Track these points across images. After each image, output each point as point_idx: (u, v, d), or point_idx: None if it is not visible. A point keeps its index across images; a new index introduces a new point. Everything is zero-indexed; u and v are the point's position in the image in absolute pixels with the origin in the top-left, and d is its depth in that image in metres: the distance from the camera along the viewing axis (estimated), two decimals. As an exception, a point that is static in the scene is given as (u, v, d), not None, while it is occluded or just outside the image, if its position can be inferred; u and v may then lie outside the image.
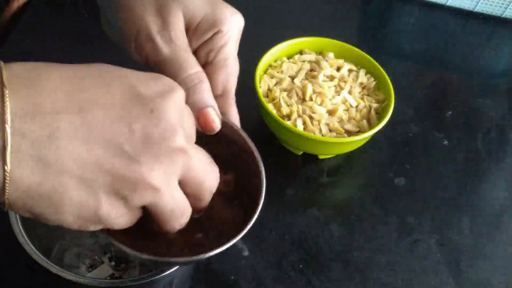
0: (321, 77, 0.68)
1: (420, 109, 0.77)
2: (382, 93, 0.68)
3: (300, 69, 0.69)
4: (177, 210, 0.30)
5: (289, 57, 0.72)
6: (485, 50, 0.89)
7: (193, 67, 0.36)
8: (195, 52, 0.39)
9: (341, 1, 0.92)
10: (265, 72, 0.69)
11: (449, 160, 0.71)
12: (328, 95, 0.66)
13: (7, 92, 0.24)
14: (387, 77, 0.68)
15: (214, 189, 0.33)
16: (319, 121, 0.64)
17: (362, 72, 0.70)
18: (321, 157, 0.67)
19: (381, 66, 0.69)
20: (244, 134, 0.39)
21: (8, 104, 0.24)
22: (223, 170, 0.34)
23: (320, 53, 0.72)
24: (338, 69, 0.70)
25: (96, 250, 0.53)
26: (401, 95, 0.70)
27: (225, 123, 0.37)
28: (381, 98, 0.68)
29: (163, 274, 0.41)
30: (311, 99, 0.66)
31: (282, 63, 0.70)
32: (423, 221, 0.64)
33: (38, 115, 0.25)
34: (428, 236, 0.62)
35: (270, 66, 0.70)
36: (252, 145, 0.38)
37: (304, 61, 0.71)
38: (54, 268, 0.40)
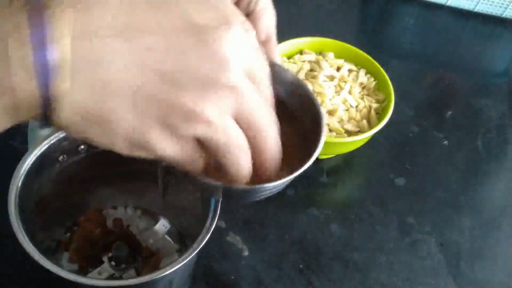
0: (321, 77, 0.68)
1: (420, 109, 0.77)
2: (382, 93, 0.68)
3: (300, 69, 0.69)
4: (233, 144, 0.30)
5: (289, 57, 0.72)
6: (485, 50, 0.89)
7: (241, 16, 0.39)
8: (236, 5, 0.41)
9: (341, 1, 0.92)
10: (265, 72, 0.69)
11: (449, 160, 0.71)
12: (328, 95, 0.66)
13: (55, 11, 0.24)
14: (387, 77, 0.68)
15: (274, 132, 0.32)
16: (319, 121, 0.64)
17: (362, 72, 0.70)
18: (321, 157, 0.67)
19: (381, 66, 0.69)
20: (290, 72, 0.42)
21: (58, 23, 0.24)
22: (281, 108, 0.36)
23: (320, 53, 0.72)
24: (338, 69, 0.70)
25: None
26: (401, 95, 0.70)
27: (273, 65, 0.40)
28: (381, 98, 0.68)
29: (163, 274, 0.41)
30: (311, 99, 0.66)
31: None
32: (423, 221, 0.64)
33: (90, 38, 0.25)
34: (428, 236, 0.62)
35: (270, 66, 0.70)
36: (300, 80, 0.42)
37: (304, 61, 0.71)
38: (54, 268, 0.40)
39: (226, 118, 0.29)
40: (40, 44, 0.24)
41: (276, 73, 0.40)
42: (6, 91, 0.24)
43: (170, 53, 0.26)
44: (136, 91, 0.26)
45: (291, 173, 0.36)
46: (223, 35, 0.27)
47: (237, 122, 0.30)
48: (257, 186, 0.35)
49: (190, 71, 0.27)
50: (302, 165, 0.36)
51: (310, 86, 0.66)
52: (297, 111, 0.42)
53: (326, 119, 0.41)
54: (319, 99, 0.66)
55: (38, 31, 0.24)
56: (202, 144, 0.30)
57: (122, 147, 0.28)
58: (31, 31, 0.24)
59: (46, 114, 0.26)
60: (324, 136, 0.38)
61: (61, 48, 0.24)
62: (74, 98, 0.25)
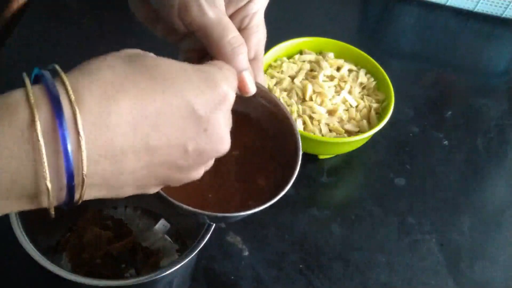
0: (321, 77, 0.68)
1: (420, 109, 0.77)
2: (382, 93, 0.68)
3: (300, 69, 0.69)
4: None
5: (289, 57, 0.72)
6: (485, 50, 0.89)
7: (234, 30, 0.38)
8: (231, 18, 0.41)
9: (341, 1, 0.92)
10: (265, 72, 0.69)
11: (449, 160, 0.71)
12: (328, 95, 0.66)
13: (83, 141, 0.27)
14: (387, 77, 0.68)
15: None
16: (319, 121, 0.64)
17: (362, 72, 0.70)
18: (321, 157, 0.67)
19: (381, 66, 0.69)
20: (271, 93, 0.41)
21: (84, 149, 0.27)
22: (260, 129, 0.38)
23: (320, 53, 0.72)
24: (338, 69, 0.70)
25: (96, 250, 0.53)
26: (401, 95, 0.70)
27: (258, 86, 0.40)
28: (381, 98, 0.68)
29: (163, 274, 0.41)
30: (311, 99, 0.66)
31: (282, 63, 0.70)
32: (423, 221, 0.64)
33: (109, 156, 0.28)
34: (428, 236, 0.62)
35: (270, 66, 0.70)
36: (282, 104, 0.41)
37: (304, 61, 0.71)
38: (54, 268, 0.40)
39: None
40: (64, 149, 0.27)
41: (257, 93, 0.40)
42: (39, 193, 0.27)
43: (175, 146, 0.30)
44: (141, 183, 0.31)
45: (267, 199, 0.36)
46: (219, 114, 0.32)
47: None
48: (235, 213, 0.36)
49: (192, 156, 0.31)
50: (277, 192, 0.36)
51: (309, 87, 0.66)
52: (273, 131, 0.41)
53: (300, 143, 0.40)
54: (319, 99, 0.66)
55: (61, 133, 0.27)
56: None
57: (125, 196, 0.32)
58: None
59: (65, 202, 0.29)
60: (300, 160, 0.38)
61: (82, 174, 0.28)
62: (88, 196, 0.29)
